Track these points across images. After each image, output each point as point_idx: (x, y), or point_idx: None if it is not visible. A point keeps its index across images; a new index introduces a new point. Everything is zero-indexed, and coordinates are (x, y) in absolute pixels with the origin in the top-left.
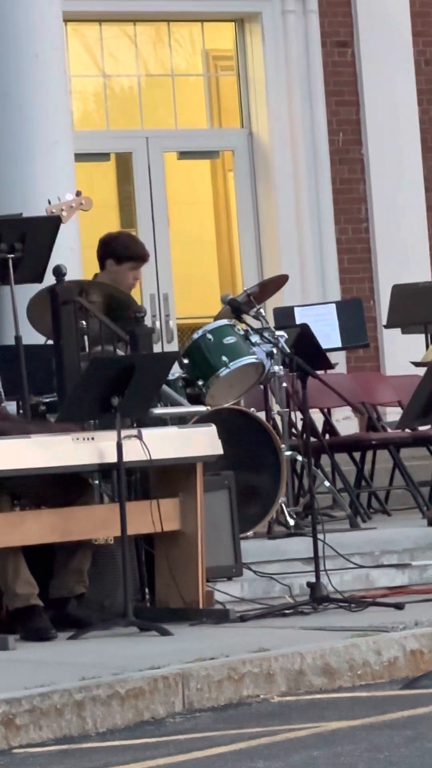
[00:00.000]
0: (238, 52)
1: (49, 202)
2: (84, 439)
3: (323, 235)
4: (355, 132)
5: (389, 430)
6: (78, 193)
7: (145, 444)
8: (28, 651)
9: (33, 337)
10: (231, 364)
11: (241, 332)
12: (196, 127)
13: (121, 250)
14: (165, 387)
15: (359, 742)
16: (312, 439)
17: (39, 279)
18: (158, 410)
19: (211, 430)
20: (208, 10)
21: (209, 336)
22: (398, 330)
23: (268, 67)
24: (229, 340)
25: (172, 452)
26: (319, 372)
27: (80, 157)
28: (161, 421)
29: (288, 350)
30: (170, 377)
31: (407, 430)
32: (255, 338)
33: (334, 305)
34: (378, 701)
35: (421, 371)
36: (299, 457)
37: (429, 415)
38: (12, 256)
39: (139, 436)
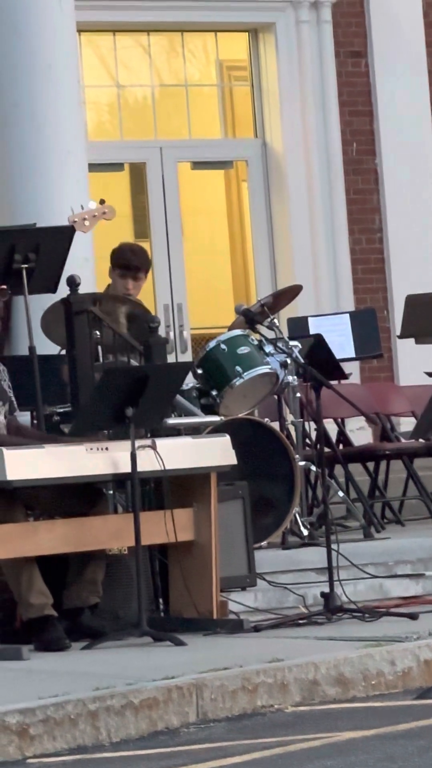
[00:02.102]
0: (252, 62)
1: (72, 211)
2: (98, 449)
3: (337, 245)
4: (369, 142)
5: (403, 441)
6: (102, 202)
7: (159, 454)
8: (42, 661)
9: (47, 347)
10: (245, 374)
11: (255, 342)
12: (210, 138)
13: (114, 258)
14: (179, 397)
15: (373, 752)
16: (326, 449)
17: (53, 289)
18: (172, 420)
19: (225, 440)
20: (221, 21)
21: (223, 346)
22: (412, 340)
23: (282, 78)
24: (243, 350)
25: (186, 462)
26: (332, 382)
27: (94, 167)
28: (175, 432)
29: (302, 360)
30: (184, 387)
31: (421, 440)
32: (269, 348)
33: (347, 315)
34: (392, 711)
35: None
36: (313, 467)
37: None
38: (26, 266)
39: (153, 447)
